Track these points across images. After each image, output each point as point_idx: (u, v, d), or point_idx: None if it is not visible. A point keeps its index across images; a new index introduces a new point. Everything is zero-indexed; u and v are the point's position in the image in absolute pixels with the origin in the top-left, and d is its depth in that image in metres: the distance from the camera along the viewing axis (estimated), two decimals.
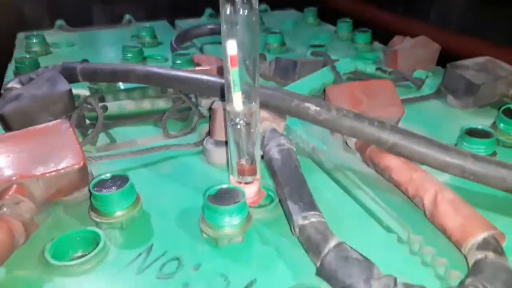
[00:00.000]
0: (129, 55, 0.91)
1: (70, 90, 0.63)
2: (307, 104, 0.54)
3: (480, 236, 0.39)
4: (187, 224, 0.47)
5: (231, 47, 0.39)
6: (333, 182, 0.56)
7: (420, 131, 0.66)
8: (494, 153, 0.57)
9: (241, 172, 0.46)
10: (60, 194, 0.48)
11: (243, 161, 0.46)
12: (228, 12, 0.38)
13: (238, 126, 0.43)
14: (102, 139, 0.66)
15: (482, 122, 0.68)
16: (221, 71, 0.71)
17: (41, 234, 0.45)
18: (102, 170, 0.56)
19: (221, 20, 0.39)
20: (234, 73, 0.40)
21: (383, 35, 1.11)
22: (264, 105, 0.54)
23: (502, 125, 0.61)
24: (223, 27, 0.39)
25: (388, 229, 0.47)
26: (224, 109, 0.50)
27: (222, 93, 0.60)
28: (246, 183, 0.47)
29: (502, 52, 1.27)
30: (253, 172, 0.46)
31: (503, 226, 0.42)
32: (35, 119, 0.59)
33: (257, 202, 0.48)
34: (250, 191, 0.48)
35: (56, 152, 0.49)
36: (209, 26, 1.10)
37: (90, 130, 0.65)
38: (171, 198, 0.52)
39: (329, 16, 1.30)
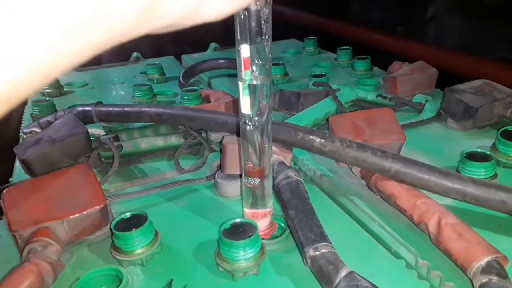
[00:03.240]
0: (139, 93, 0.96)
1: (87, 132, 0.67)
2: (312, 137, 0.57)
3: (484, 260, 0.40)
4: (204, 258, 0.49)
5: (245, 50, 0.40)
6: (341, 209, 0.58)
7: (423, 154, 0.69)
8: (495, 175, 0.59)
9: (248, 174, 0.48)
10: (83, 234, 0.51)
11: (250, 164, 0.47)
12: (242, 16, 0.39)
13: (247, 128, 0.45)
14: (119, 177, 0.69)
15: (483, 143, 0.70)
16: (228, 108, 0.75)
17: (66, 273, 0.48)
18: (120, 207, 0.59)
19: (236, 27, 0.40)
20: (246, 75, 0.42)
21: (383, 58, 1.15)
22: (272, 139, 0.57)
23: (501, 147, 0.64)
24: (237, 33, 0.40)
25: (396, 255, 0.49)
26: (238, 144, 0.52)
27: (229, 129, 0.64)
28: (253, 186, 0.48)
29: (501, 69, 1.30)
30: (260, 175, 0.47)
31: (508, 247, 0.45)
32: (56, 162, 0.62)
33: (270, 234, 0.50)
34: (263, 223, 0.50)
35: (78, 194, 0.52)
36: (215, 61, 1.15)
37: (107, 169, 0.68)
38: (188, 232, 0.54)
39: (329, 43, 1.35)
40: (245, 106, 0.43)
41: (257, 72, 0.41)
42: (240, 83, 0.42)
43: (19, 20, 0.15)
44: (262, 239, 0.49)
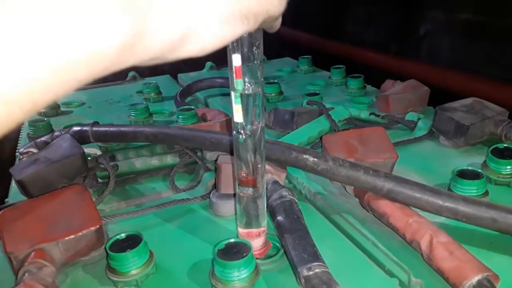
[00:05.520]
0: (135, 112, 0.97)
1: (83, 153, 0.67)
2: (305, 156, 0.58)
3: (475, 279, 0.41)
4: (199, 278, 0.49)
5: (236, 60, 0.40)
6: (335, 227, 0.59)
7: (416, 172, 0.70)
8: (486, 193, 0.60)
9: (241, 183, 0.48)
10: (78, 255, 0.51)
11: (243, 173, 0.47)
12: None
13: (238, 138, 0.45)
14: (114, 197, 0.69)
15: (475, 160, 0.71)
16: (223, 127, 0.76)
17: None
18: (115, 227, 0.59)
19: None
20: (238, 84, 0.42)
21: (376, 75, 1.17)
22: (266, 158, 0.58)
23: (492, 164, 0.65)
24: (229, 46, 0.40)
25: (390, 273, 0.49)
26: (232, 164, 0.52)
27: (224, 148, 0.65)
28: (244, 195, 0.48)
29: (492, 87, 1.32)
30: (253, 184, 0.47)
31: (499, 264, 0.45)
32: (52, 183, 0.63)
33: (264, 253, 0.51)
34: (257, 243, 0.50)
35: (73, 215, 0.52)
36: (211, 80, 1.16)
37: (103, 189, 0.69)
38: (182, 252, 0.55)
39: (323, 61, 1.37)
40: (237, 115, 0.44)
41: (249, 84, 0.42)
42: (232, 93, 0.43)
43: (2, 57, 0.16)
44: (257, 258, 0.49)
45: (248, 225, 0.50)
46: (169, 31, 0.23)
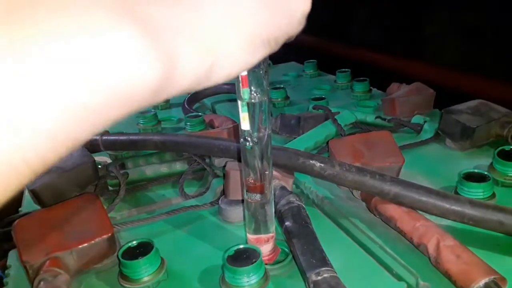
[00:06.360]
0: (144, 120, 0.98)
1: (94, 161, 0.69)
2: (312, 161, 0.58)
3: (482, 282, 0.41)
4: (209, 284, 0.50)
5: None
6: (342, 232, 0.59)
7: (422, 175, 0.70)
8: (493, 195, 0.60)
9: (249, 189, 0.49)
10: (91, 263, 0.53)
11: (251, 179, 0.48)
12: None
13: (246, 145, 0.46)
14: (125, 204, 0.71)
15: (481, 162, 0.71)
16: (230, 134, 0.77)
17: None
18: (126, 235, 0.60)
19: None
20: (244, 93, 0.42)
21: (382, 78, 1.17)
22: (273, 164, 0.59)
23: (498, 166, 0.65)
24: None
25: (398, 277, 0.50)
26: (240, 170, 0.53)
27: (232, 155, 0.66)
28: (252, 200, 0.49)
29: (499, 88, 1.32)
30: (261, 190, 0.48)
31: (507, 267, 0.46)
32: (64, 192, 0.64)
33: (273, 259, 0.52)
34: (266, 248, 0.51)
35: (86, 223, 0.54)
36: (218, 86, 1.17)
37: (113, 197, 0.70)
38: (193, 258, 0.56)
39: (328, 64, 1.38)
40: (244, 122, 0.44)
41: (255, 92, 0.42)
42: (239, 101, 0.44)
43: (46, 102, 0.18)
44: (266, 264, 0.50)
45: (256, 231, 0.51)
46: (198, 66, 0.24)
